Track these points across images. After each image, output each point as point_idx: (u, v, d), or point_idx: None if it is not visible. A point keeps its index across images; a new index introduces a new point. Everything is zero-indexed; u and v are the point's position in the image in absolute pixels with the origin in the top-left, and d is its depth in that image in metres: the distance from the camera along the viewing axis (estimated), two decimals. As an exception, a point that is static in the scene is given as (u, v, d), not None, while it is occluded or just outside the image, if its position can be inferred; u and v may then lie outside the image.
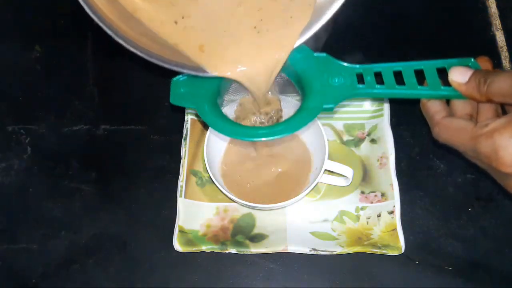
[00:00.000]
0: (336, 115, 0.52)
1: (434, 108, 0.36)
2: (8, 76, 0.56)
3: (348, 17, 0.58)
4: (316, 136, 0.47)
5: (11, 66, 0.57)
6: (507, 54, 0.55)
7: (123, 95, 0.55)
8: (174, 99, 0.40)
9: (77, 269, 0.46)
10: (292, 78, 0.41)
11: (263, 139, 0.37)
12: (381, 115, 0.50)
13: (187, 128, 0.50)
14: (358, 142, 0.51)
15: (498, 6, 0.58)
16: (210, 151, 0.47)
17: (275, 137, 0.37)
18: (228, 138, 0.50)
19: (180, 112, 0.52)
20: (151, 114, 0.53)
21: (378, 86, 0.37)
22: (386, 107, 0.50)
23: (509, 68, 0.55)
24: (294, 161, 0.49)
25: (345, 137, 0.51)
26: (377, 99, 0.51)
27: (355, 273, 0.46)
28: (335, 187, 0.48)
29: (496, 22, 0.57)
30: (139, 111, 0.54)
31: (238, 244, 0.46)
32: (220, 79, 0.39)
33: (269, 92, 0.43)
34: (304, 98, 0.39)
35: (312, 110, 0.37)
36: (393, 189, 0.47)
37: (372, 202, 0.48)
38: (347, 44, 0.56)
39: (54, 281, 0.46)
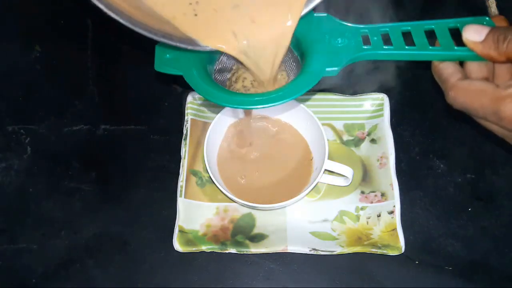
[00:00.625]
0: (336, 115, 0.52)
1: (447, 70, 0.33)
2: (8, 76, 0.56)
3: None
4: (316, 136, 0.47)
5: (11, 66, 0.57)
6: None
7: (123, 95, 0.55)
8: (159, 66, 0.36)
9: (77, 269, 0.46)
10: (291, 44, 0.37)
11: (258, 106, 0.34)
12: (381, 115, 0.50)
13: (187, 128, 0.50)
14: (358, 142, 0.51)
15: (498, 6, 0.58)
16: (210, 151, 0.47)
17: (273, 104, 0.34)
18: (227, 138, 0.50)
19: (180, 112, 0.52)
20: (151, 114, 0.53)
21: (385, 47, 0.34)
22: (386, 107, 0.50)
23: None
24: (295, 161, 0.49)
25: (345, 137, 0.51)
26: (377, 99, 0.51)
27: (355, 273, 0.46)
28: (335, 187, 0.48)
29: (496, 22, 0.57)
30: (139, 111, 0.54)
31: (238, 244, 0.46)
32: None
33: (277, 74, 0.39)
34: (305, 62, 0.35)
35: (314, 74, 0.34)
36: (393, 189, 0.47)
37: (372, 202, 0.48)
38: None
39: (54, 281, 0.46)
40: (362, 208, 0.48)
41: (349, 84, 0.53)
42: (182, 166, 0.49)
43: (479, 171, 0.50)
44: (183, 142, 0.50)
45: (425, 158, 0.51)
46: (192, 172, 0.49)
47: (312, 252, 0.45)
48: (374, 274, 0.46)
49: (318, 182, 0.45)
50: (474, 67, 0.33)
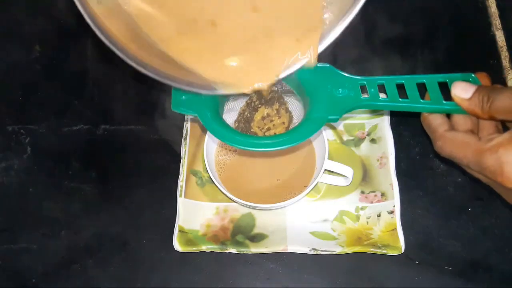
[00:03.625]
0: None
1: (436, 121, 0.36)
2: (8, 76, 0.56)
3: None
4: (316, 136, 0.47)
5: (11, 66, 0.57)
6: (507, 54, 0.55)
7: (123, 95, 0.55)
8: (176, 106, 0.39)
9: (77, 269, 0.46)
10: (294, 88, 0.41)
11: (266, 149, 0.37)
12: (381, 115, 0.50)
13: (187, 128, 0.50)
14: (358, 142, 0.51)
15: (498, 6, 0.58)
16: (209, 151, 0.47)
17: (278, 148, 0.37)
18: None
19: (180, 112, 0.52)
20: (151, 114, 0.53)
21: (381, 98, 0.37)
22: (386, 107, 0.51)
23: (509, 68, 0.55)
24: (297, 160, 0.49)
25: (345, 137, 0.51)
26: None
27: (355, 273, 0.46)
28: (335, 187, 0.48)
29: (496, 22, 0.57)
30: (139, 111, 0.54)
31: (238, 244, 0.46)
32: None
33: (281, 107, 0.43)
34: (308, 108, 0.38)
35: (317, 121, 0.37)
36: (393, 189, 0.47)
37: (372, 202, 0.48)
38: (346, 44, 0.55)
39: (54, 281, 0.46)
40: (362, 208, 0.48)
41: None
42: (182, 166, 0.49)
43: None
44: (183, 142, 0.50)
45: (425, 158, 0.51)
46: (192, 172, 0.49)
47: (312, 252, 0.45)
48: (374, 274, 0.46)
49: (318, 182, 0.45)
50: (460, 120, 0.36)
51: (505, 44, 0.56)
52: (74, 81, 0.56)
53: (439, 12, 0.59)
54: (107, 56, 0.57)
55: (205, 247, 0.45)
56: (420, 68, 0.55)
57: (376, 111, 0.51)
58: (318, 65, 0.38)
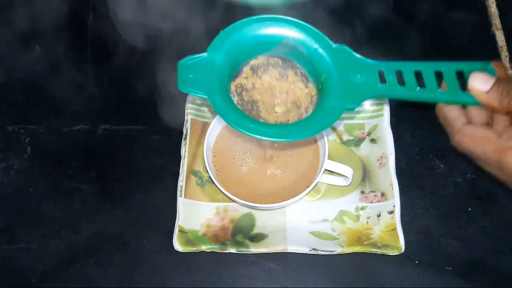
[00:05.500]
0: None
1: (453, 114, 0.35)
2: (8, 76, 0.56)
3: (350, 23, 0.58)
4: (320, 135, 0.47)
5: (11, 66, 0.57)
6: (507, 54, 0.55)
7: (123, 95, 0.55)
8: (182, 86, 0.35)
9: (77, 269, 0.46)
10: (308, 70, 0.38)
11: (279, 140, 0.35)
12: (381, 115, 0.50)
13: (187, 128, 0.50)
14: (358, 142, 0.51)
15: (498, 6, 0.58)
16: (210, 151, 0.47)
17: (293, 140, 0.35)
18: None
19: (180, 112, 0.52)
20: (151, 114, 0.53)
21: (399, 87, 0.35)
22: (386, 107, 0.50)
23: (509, 68, 0.55)
24: (301, 162, 0.49)
25: (345, 137, 0.51)
26: (377, 99, 0.51)
27: (355, 273, 0.46)
28: (335, 187, 0.48)
29: (496, 22, 0.57)
30: (139, 111, 0.54)
31: (238, 244, 0.46)
32: (233, 57, 0.36)
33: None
34: (323, 95, 0.36)
35: (334, 110, 0.35)
36: (393, 189, 0.47)
37: (372, 202, 0.48)
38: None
39: (54, 281, 0.46)
40: (362, 208, 0.48)
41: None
42: (182, 166, 0.49)
43: (479, 171, 0.49)
44: (183, 142, 0.50)
45: (425, 158, 0.51)
46: (192, 172, 0.49)
47: (312, 252, 0.45)
48: (374, 274, 0.46)
49: (318, 182, 0.45)
50: (475, 111, 0.35)
51: (505, 44, 0.56)
52: (74, 81, 0.56)
53: (439, 12, 0.59)
54: (107, 56, 0.57)
55: (205, 247, 0.45)
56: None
57: (377, 104, 0.51)
58: (333, 46, 0.36)
